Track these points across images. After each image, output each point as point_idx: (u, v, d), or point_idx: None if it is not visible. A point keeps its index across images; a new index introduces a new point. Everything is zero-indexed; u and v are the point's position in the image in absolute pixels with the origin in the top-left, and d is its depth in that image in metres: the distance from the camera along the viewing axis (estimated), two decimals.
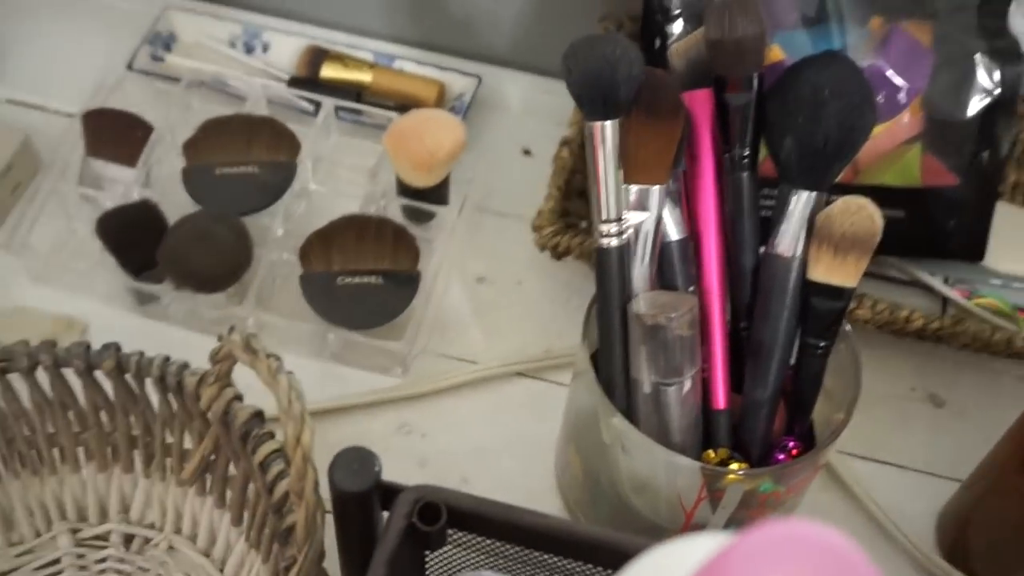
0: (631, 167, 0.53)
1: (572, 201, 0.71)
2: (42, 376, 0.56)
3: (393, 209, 0.73)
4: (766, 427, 0.54)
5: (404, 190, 0.72)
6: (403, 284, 0.67)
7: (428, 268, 0.68)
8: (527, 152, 0.80)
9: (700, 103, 0.54)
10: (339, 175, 0.77)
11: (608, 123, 0.51)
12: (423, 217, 0.73)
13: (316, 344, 0.69)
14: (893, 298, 0.66)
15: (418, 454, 0.66)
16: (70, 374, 0.57)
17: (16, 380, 0.56)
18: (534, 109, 0.83)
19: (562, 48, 0.84)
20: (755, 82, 0.52)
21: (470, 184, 0.74)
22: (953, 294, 0.67)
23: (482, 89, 0.81)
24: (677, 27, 0.64)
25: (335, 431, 0.66)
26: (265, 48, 0.84)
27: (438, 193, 0.72)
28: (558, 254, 0.68)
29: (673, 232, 0.55)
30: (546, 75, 0.84)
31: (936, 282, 0.68)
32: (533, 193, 0.76)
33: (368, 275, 0.67)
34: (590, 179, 0.52)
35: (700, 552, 0.30)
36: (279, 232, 0.70)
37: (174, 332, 0.70)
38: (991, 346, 0.63)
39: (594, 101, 0.51)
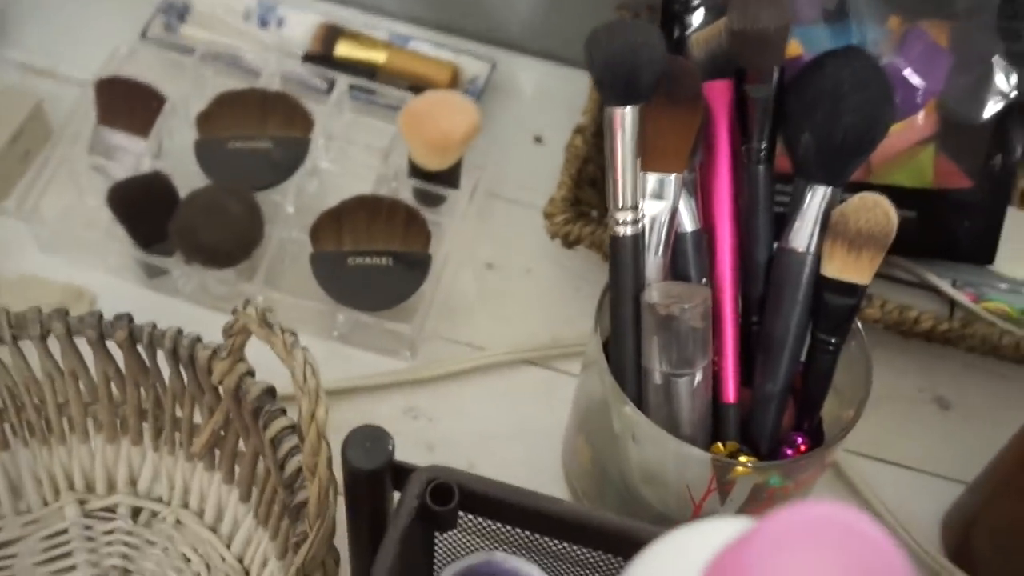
0: (649, 154, 0.53)
1: (584, 190, 0.71)
2: (53, 345, 0.56)
3: (404, 190, 0.73)
4: (775, 422, 0.55)
5: (416, 172, 0.72)
6: (414, 267, 0.67)
7: (439, 252, 0.69)
8: (538, 139, 0.80)
9: (719, 94, 0.55)
10: (351, 154, 0.77)
11: (628, 109, 0.51)
12: (434, 200, 0.73)
13: (324, 324, 0.69)
14: (901, 299, 0.67)
15: (425, 438, 0.66)
16: (82, 344, 0.57)
17: (27, 348, 0.56)
18: (547, 96, 0.83)
19: (577, 35, 0.84)
20: (776, 75, 0.53)
21: (482, 169, 0.74)
22: (961, 297, 0.67)
23: (495, 74, 0.81)
24: (697, 17, 0.64)
25: (342, 412, 0.66)
26: (279, 23, 0.84)
27: (450, 176, 0.72)
28: (569, 243, 0.68)
29: (688, 223, 0.55)
30: (560, 62, 0.84)
31: (944, 284, 0.68)
32: (544, 180, 0.76)
33: (379, 256, 0.67)
34: (607, 166, 0.52)
35: (718, 536, 0.30)
36: (290, 209, 0.70)
37: (183, 306, 0.70)
38: (999, 350, 0.63)
39: (615, 86, 0.51)
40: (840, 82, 0.49)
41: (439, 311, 0.70)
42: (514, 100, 0.82)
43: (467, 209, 0.72)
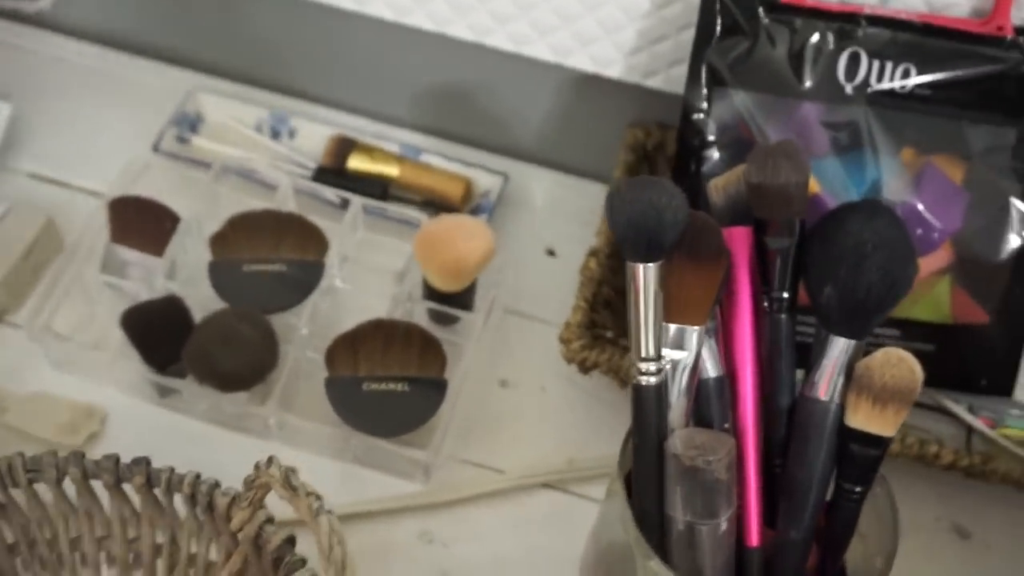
0: (672, 308, 0.53)
1: (599, 312, 0.71)
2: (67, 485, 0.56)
3: (419, 311, 0.73)
4: (799, 567, 0.54)
5: (431, 293, 0.72)
6: (430, 391, 0.67)
7: (455, 373, 0.68)
8: (551, 252, 0.81)
9: (739, 241, 0.55)
10: (364, 272, 0.77)
11: (650, 266, 0.52)
12: (448, 319, 0.73)
13: (338, 446, 0.68)
14: (916, 422, 0.67)
15: (440, 564, 0.65)
16: (97, 484, 0.56)
17: (42, 488, 0.56)
18: (558, 207, 0.83)
19: (589, 147, 0.86)
20: (796, 227, 0.53)
21: (496, 288, 0.74)
22: (978, 423, 0.67)
23: (507, 185, 0.81)
24: (713, 153, 0.65)
25: (356, 536, 0.65)
26: (291, 134, 0.84)
27: (464, 298, 0.72)
28: (585, 368, 0.68)
29: (710, 368, 0.55)
30: (571, 173, 0.85)
31: (961, 410, 0.68)
32: (557, 295, 0.77)
33: (395, 382, 0.67)
34: (629, 318, 0.52)
35: None
36: (304, 331, 0.70)
37: (194, 425, 0.70)
38: (1019, 481, 0.63)
39: (637, 244, 0.51)
40: (863, 241, 0.50)
41: (454, 431, 0.70)
42: (526, 212, 0.83)
43: (483, 330, 0.72)
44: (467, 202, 0.81)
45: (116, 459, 0.55)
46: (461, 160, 0.82)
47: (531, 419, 0.72)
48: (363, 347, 0.68)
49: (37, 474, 0.55)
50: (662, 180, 0.53)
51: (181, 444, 0.66)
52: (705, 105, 0.65)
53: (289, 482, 0.47)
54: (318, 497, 0.47)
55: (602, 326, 0.71)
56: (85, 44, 0.90)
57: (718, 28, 0.65)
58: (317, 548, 0.45)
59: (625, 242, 0.52)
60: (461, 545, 0.66)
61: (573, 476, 0.69)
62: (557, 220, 0.82)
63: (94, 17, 0.90)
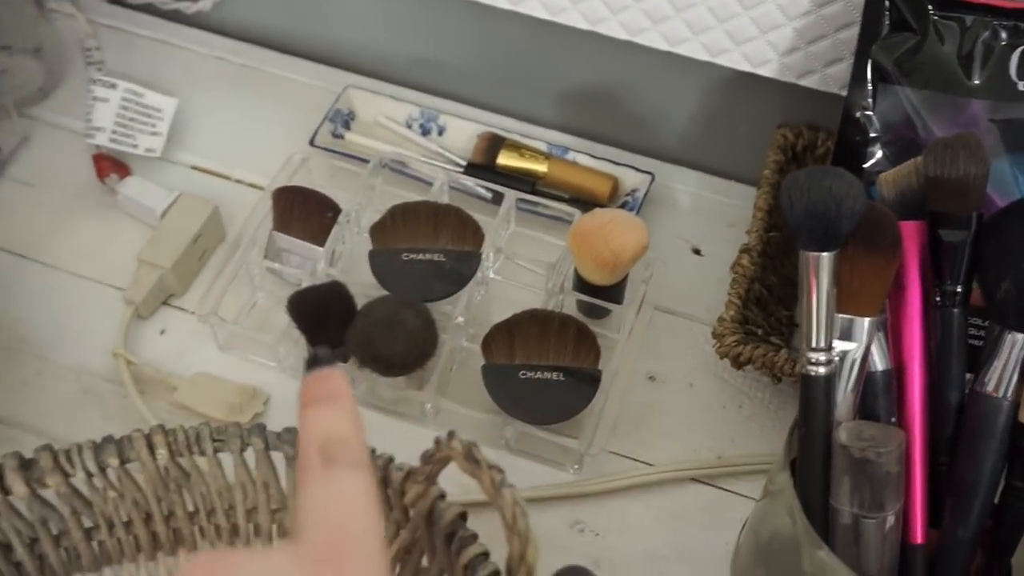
0: (845, 298, 0.53)
1: (750, 309, 0.72)
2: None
3: (569, 303, 0.74)
4: (965, 567, 0.54)
5: (582, 286, 0.73)
6: (584, 382, 0.68)
7: (607, 366, 0.70)
8: (696, 251, 0.81)
9: (911, 235, 0.55)
10: (515, 264, 0.78)
11: (825, 255, 0.52)
12: (598, 312, 0.74)
13: (491, 434, 0.70)
14: None
15: (592, 553, 0.66)
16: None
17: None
18: (703, 208, 0.84)
19: (733, 148, 0.86)
20: (973, 221, 0.53)
21: (647, 284, 0.75)
22: None
23: (653, 185, 0.82)
24: (877, 151, 0.65)
25: None
26: (440, 131, 0.87)
27: (615, 291, 0.73)
28: (739, 363, 0.68)
29: (879, 362, 0.55)
30: (716, 174, 0.86)
31: None
32: (703, 293, 0.77)
33: (549, 371, 0.68)
34: (801, 306, 0.53)
35: None
36: (459, 319, 0.72)
37: None
38: None
39: (814, 233, 0.52)
40: None
41: (604, 424, 0.71)
42: (671, 210, 0.84)
43: (634, 324, 0.73)
44: (614, 200, 0.82)
45: (295, 431, 0.57)
46: (608, 159, 0.84)
47: (679, 414, 0.73)
48: (519, 336, 0.69)
49: (222, 444, 0.57)
50: (840, 169, 0.54)
51: None
52: (870, 102, 0.66)
53: (472, 455, 0.48)
54: (500, 471, 0.48)
55: (754, 323, 0.72)
56: (243, 44, 0.94)
57: (885, 25, 0.65)
58: (501, 521, 0.46)
59: (801, 230, 0.52)
60: (612, 535, 0.67)
61: (722, 471, 0.69)
62: (702, 220, 0.83)
63: (251, 18, 0.93)
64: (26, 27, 0.88)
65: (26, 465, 0.55)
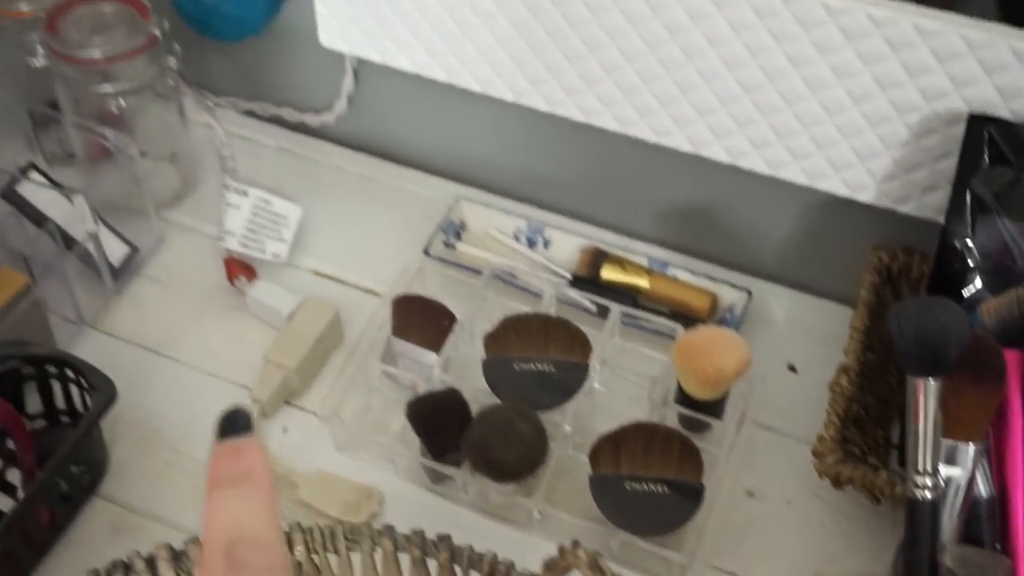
0: (950, 423, 0.56)
1: (849, 429, 0.74)
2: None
3: (671, 416, 0.77)
4: None
5: (684, 400, 0.76)
6: (687, 495, 0.71)
7: (709, 480, 0.72)
8: (792, 368, 0.84)
9: (1011, 363, 0.58)
10: (619, 376, 0.82)
11: (932, 381, 0.55)
12: (699, 426, 0.77)
13: (596, 542, 0.72)
14: None
15: None
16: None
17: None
18: (798, 325, 0.87)
19: (829, 267, 0.89)
20: None
21: (747, 400, 0.78)
22: None
23: (750, 301, 0.86)
24: (976, 279, 0.68)
25: None
26: (546, 244, 0.91)
27: (716, 406, 0.76)
28: (839, 483, 0.70)
29: (982, 488, 0.57)
30: (811, 292, 0.89)
31: None
32: (800, 410, 0.80)
33: (655, 483, 0.71)
34: (908, 431, 0.56)
35: None
36: (567, 428, 0.76)
37: (462, 512, 0.76)
38: None
39: (922, 359, 0.55)
40: None
41: (705, 538, 0.73)
42: (767, 328, 0.87)
43: (735, 439, 0.75)
44: (712, 316, 0.85)
45: (422, 534, 0.61)
46: (706, 275, 0.87)
47: (778, 530, 0.75)
48: (626, 447, 0.72)
49: (354, 544, 0.61)
50: (947, 300, 0.57)
51: (448, 529, 0.72)
52: (969, 231, 0.69)
53: (598, 565, 0.51)
54: None
55: (852, 442, 0.74)
56: (362, 155, 1.00)
57: (984, 159, 0.68)
58: None
59: (910, 357, 0.55)
60: None
61: None
62: (797, 337, 0.86)
63: (370, 130, 1.00)
64: (165, 136, 0.95)
65: (176, 556, 0.59)
